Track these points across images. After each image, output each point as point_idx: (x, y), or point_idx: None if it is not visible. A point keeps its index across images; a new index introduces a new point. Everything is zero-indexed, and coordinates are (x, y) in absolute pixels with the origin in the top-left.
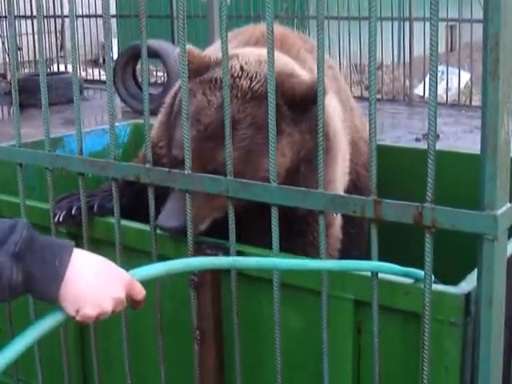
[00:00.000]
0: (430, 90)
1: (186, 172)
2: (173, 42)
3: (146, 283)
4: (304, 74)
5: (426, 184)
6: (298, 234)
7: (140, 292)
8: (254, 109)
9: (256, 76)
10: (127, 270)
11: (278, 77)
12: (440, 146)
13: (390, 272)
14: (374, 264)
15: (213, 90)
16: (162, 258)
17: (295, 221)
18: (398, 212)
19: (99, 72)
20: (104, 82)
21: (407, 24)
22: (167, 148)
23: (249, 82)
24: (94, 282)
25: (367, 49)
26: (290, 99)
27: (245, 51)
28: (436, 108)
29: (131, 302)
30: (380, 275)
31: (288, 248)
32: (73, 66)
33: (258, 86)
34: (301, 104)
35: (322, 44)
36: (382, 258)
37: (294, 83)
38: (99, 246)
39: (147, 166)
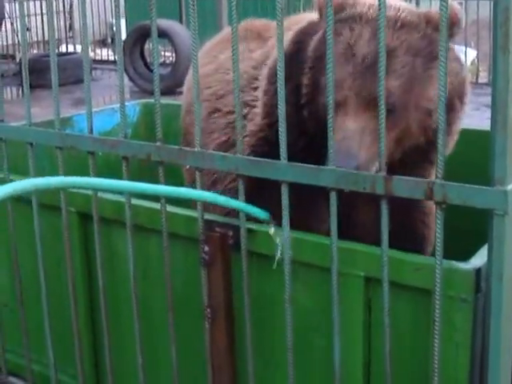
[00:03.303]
0: (439, 66)
1: (196, 149)
2: (180, 21)
3: (155, 261)
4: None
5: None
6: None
7: None
8: (408, 35)
9: (395, 7)
10: None
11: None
12: None
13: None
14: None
15: (359, 24)
16: (173, 236)
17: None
18: (409, 188)
19: (107, 52)
20: (112, 62)
21: (413, 2)
22: (309, 95)
23: (393, 12)
24: None
25: None
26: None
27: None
28: (445, 85)
29: None
30: (390, 253)
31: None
32: (82, 46)
33: (403, 14)
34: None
35: (330, 21)
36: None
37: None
38: (110, 225)
39: (158, 144)
